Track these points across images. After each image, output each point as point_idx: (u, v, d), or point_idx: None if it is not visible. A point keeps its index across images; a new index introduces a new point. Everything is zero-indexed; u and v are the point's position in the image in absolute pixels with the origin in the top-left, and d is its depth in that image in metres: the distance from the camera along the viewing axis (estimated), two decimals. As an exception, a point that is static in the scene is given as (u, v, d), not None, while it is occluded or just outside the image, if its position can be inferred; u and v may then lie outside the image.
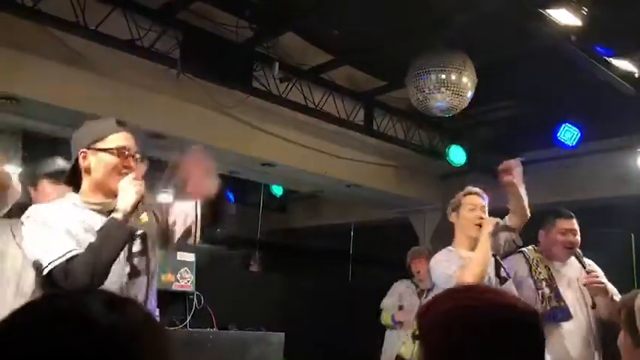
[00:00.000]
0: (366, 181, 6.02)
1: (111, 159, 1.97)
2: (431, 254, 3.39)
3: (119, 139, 1.99)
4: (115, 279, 1.89)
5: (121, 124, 2.04)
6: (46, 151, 5.81)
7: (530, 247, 3.18)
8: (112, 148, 1.97)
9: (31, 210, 1.94)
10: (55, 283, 1.81)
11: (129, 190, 1.91)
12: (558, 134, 5.29)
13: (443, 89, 4.32)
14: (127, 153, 1.98)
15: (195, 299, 4.75)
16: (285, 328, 5.11)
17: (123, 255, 1.92)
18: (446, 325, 1.07)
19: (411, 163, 6.16)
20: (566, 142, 5.31)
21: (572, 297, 2.93)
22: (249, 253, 7.35)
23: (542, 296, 2.92)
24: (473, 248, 2.92)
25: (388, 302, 4.74)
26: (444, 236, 7.29)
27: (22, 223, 1.92)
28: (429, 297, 2.99)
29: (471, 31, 4.12)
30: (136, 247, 1.99)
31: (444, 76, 4.28)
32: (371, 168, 6.01)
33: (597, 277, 2.87)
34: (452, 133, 5.86)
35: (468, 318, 1.07)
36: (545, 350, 1.11)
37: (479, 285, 2.39)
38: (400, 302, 4.68)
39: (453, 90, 4.29)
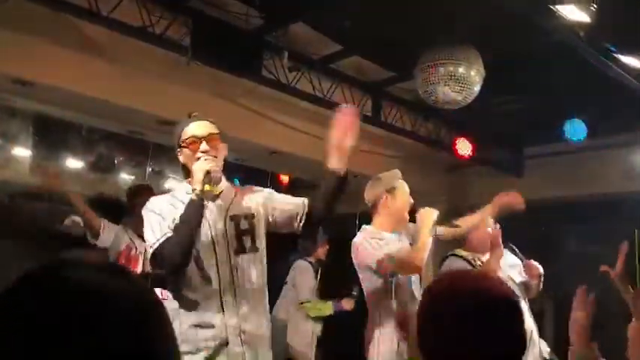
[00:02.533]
0: (373, 172, 6.01)
1: (187, 151, 2.25)
2: None
3: (190, 130, 2.27)
4: (222, 256, 2.17)
5: (191, 116, 2.34)
6: (57, 134, 5.89)
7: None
8: (185, 141, 2.25)
9: (150, 201, 2.25)
10: (156, 265, 2.15)
11: (197, 171, 2.17)
12: (566, 129, 5.31)
13: (450, 82, 4.34)
14: (196, 140, 2.23)
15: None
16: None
17: (226, 231, 2.20)
18: (438, 312, 1.16)
19: (417, 155, 6.19)
20: (573, 138, 5.32)
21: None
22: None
23: None
24: (395, 231, 3.06)
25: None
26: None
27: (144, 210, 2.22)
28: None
29: (481, 25, 4.13)
30: (243, 225, 2.24)
31: (452, 69, 4.30)
32: (378, 158, 6.03)
33: None
34: (459, 126, 5.88)
35: (455, 303, 1.14)
36: None
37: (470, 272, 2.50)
38: None
39: (461, 83, 4.30)
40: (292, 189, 8.42)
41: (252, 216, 2.29)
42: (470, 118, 5.69)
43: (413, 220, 3.17)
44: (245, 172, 7.44)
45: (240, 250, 2.21)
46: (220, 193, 2.29)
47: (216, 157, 2.25)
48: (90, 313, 0.67)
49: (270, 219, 2.34)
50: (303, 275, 4.95)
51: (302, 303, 4.87)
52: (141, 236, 4.43)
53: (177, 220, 2.12)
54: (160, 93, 4.50)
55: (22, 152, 5.90)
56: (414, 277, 3.02)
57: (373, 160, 5.98)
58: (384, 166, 6.07)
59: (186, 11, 4.08)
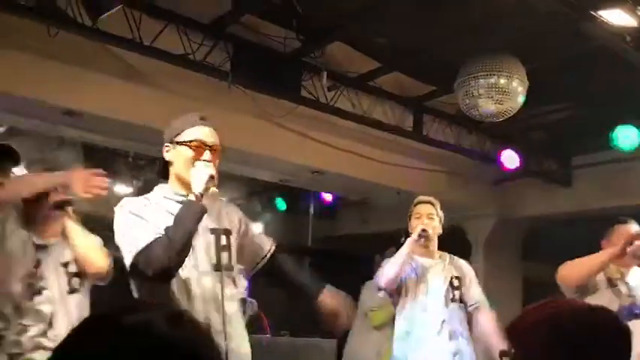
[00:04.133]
0: (417, 188, 5.96)
1: (186, 151, 2.07)
2: None
3: (196, 132, 2.09)
4: (206, 269, 2.01)
5: (202, 119, 2.15)
6: (105, 162, 6.06)
7: None
8: (187, 141, 2.07)
9: (124, 201, 2.07)
10: (138, 270, 1.90)
11: (200, 172, 2.00)
12: (614, 137, 5.13)
13: (492, 94, 4.27)
14: (202, 146, 2.06)
15: (249, 305, 4.82)
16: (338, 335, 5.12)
17: (207, 247, 2.03)
18: (537, 334, 1.10)
19: (462, 169, 6.09)
20: (623, 145, 5.14)
21: None
22: (300, 260, 7.41)
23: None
24: (420, 254, 3.27)
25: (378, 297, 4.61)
26: (499, 242, 7.17)
27: (116, 211, 2.04)
28: None
29: (521, 34, 4.06)
30: (223, 241, 2.09)
31: (493, 81, 4.23)
32: (421, 174, 5.97)
33: None
34: (503, 137, 5.77)
35: (556, 324, 1.09)
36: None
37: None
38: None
39: (503, 94, 4.23)
40: (335, 208, 8.42)
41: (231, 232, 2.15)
42: (515, 129, 5.58)
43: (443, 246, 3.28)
44: (288, 192, 7.49)
45: (219, 266, 2.06)
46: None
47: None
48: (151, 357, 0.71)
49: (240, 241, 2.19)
50: (369, 290, 4.81)
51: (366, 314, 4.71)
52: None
53: (161, 225, 1.94)
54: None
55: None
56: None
57: (416, 176, 5.92)
58: (427, 182, 6.03)
59: (225, 37, 4.16)
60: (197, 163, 2.03)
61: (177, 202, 2.05)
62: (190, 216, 1.95)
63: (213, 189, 2.03)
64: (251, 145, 4.76)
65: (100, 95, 4.14)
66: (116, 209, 2.04)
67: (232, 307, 2.09)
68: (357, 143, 5.39)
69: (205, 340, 0.78)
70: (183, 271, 1.98)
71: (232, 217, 2.21)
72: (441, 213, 3.39)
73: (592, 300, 3.00)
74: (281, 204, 7.98)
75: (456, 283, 3.29)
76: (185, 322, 0.78)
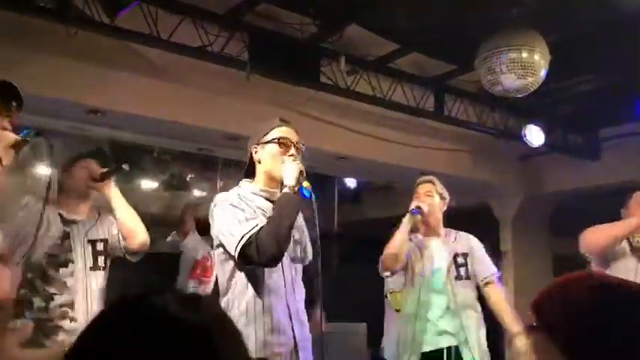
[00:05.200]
0: (441, 168, 5.94)
1: (273, 148, 2.33)
2: None
3: (280, 131, 2.37)
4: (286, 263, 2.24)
5: (283, 121, 2.44)
6: (131, 158, 6.15)
7: None
8: (274, 139, 2.34)
9: (219, 197, 2.29)
10: (248, 256, 2.12)
11: (291, 168, 2.25)
12: (642, 106, 5.03)
13: (514, 69, 4.20)
14: (287, 142, 2.33)
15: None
16: (367, 318, 5.15)
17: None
18: (560, 308, 1.08)
19: (486, 147, 6.04)
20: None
21: None
22: (328, 246, 7.44)
23: None
24: (423, 233, 3.42)
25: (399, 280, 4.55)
26: (527, 219, 7.09)
27: (212, 209, 2.27)
28: None
29: (541, 7, 3.98)
30: (296, 236, 2.33)
31: (514, 55, 4.16)
32: (445, 154, 5.94)
33: None
34: (527, 113, 5.69)
35: (601, 299, 1.07)
36: None
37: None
38: None
39: (525, 68, 4.16)
40: (360, 192, 8.42)
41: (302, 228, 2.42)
42: (539, 103, 5.49)
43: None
44: (312, 178, 7.49)
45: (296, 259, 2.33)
46: None
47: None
48: (168, 339, 0.74)
49: None
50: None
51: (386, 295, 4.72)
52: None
53: (263, 220, 2.16)
54: (224, 109, 4.61)
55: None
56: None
57: (439, 156, 5.89)
58: (451, 162, 5.99)
59: (242, 27, 4.16)
60: (285, 159, 2.28)
61: (265, 198, 2.30)
62: (292, 207, 2.20)
63: (306, 182, 2.25)
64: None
65: (123, 92, 4.20)
66: (216, 203, 2.26)
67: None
68: (379, 127, 5.37)
69: (223, 323, 0.81)
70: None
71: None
72: (442, 190, 3.44)
73: (616, 266, 2.97)
74: (305, 191, 7.99)
75: (460, 260, 3.29)
76: (199, 303, 0.81)
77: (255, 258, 2.10)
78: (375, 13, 4.33)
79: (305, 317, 2.30)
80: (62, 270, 2.59)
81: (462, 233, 3.45)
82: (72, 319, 2.54)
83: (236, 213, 2.18)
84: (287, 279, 2.24)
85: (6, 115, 1.68)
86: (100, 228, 2.77)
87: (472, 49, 4.41)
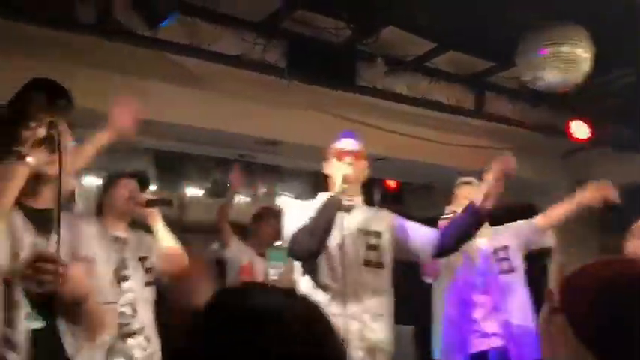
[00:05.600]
0: (481, 167, 5.86)
1: (334, 161, 2.62)
2: None
3: (340, 145, 2.66)
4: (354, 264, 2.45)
5: (345, 136, 2.72)
6: (176, 166, 6.28)
7: None
8: (334, 153, 2.65)
9: (288, 202, 2.74)
10: (289, 250, 2.41)
11: (336, 174, 2.50)
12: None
13: (557, 63, 4.12)
14: (342, 153, 2.59)
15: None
16: (414, 321, 5.10)
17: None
18: (592, 297, 1.05)
19: (528, 144, 5.91)
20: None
21: None
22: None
23: None
24: None
25: None
26: (574, 218, 6.94)
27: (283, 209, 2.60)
28: None
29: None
30: (373, 241, 2.54)
31: (556, 50, 4.08)
32: (487, 153, 5.83)
33: None
34: (571, 108, 5.56)
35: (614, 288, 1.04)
36: None
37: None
38: None
39: (568, 63, 4.07)
40: (401, 193, 8.37)
41: (380, 235, 2.58)
42: (582, 98, 5.36)
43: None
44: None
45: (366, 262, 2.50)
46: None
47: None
48: (272, 331, 0.78)
49: None
50: None
51: None
52: (261, 254, 4.68)
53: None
54: (263, 115, 4.65)
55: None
56: None
57: (480, 155, 5.79)
58: (492, 160, 5.88)
59: (279, 34, 4.21)
60: (335, 164, 2.53)
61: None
62: (329, 207, 2.39)
63: (344, 186, 2.43)
64: (312, 138, 4.80)
65: (165, 103, 4.28)
66: (284, 206, 2.60)
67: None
68: (418, 127, 5.33)
69: (318, 315, 0.84)
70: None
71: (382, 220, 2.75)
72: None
73: None
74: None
75: (501, 254, 3.24)
76: (298, 297, 0.85)
77: (292, 248, 2.36)
78: (411, 13, 4.31)
79: (374, 321, 2.44)
80: (123, 284, 2.72)
81: (498, 227, 3.40)
82: (133, 334, 2.63)
83: (293, 214, 2.52)
84: (349, 282, 2.36)
85: (54, 114, 1.66)
86: (144, 246, 2.89)
87: (511, 44, 4.34)
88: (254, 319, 0.78)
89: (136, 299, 2.73)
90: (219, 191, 6.99)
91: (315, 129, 4.84)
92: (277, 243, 4.55)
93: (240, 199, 7.02)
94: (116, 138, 2.53)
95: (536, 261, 4.04)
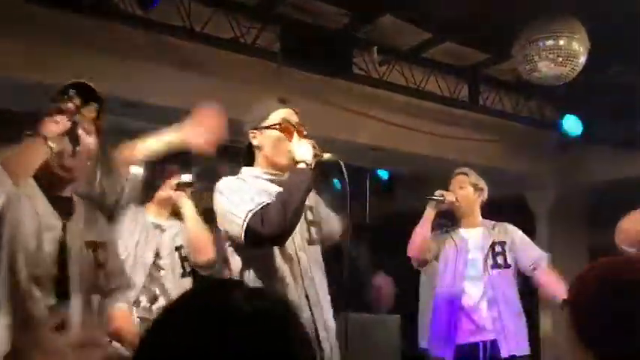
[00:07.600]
0: (475, 159, 5.86)
1: (275, 133, 2.17)
2: None
3: (281, 114, 2.20)
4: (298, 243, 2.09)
5: (282, 102, 2.27)
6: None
7: None
8: (274, 124, 2.18)
9: (220, 184, 2.13)
10: (252, 231, 1.93)
11: (302, 144, 2.09)
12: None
13: (553, 56, 4.10)
14: (289, 126, 2.17)
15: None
16: (401, 310, 5.12)
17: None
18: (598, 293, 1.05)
19: (522, 138, 5.91)
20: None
21: None
22: (360, 237, 7.41)
23: None
24: (461, 225, 3.42)
25: None
26: (563, 211, 6.94)
27: (215, 199, 2.12)
28: None
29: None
30: (310, 217, 2.19)
31: (552, 42, 4.06)
32: (479, 145, 5.84)
33: None
34: (565, 103, 5.55)
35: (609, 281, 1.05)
36: None
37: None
38: None
39: (564, 56, 4.06)
40: (392, 184, 8.36)
41: (312, 209, 2.26)
42: (576, 93, 5.35)
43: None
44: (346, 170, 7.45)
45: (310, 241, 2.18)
46: None
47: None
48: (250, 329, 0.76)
49: None
50: None
51: None
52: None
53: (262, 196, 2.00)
54: (254, 101, 4.60)
55: (136, 170, 6.24)
56: None
57: (473, 147, 5.79)
58: (486, 153, 5.89)
59: (273, 18, 4.16)
60: (295, 137, 2.12)
61: (269, 180, 2.14)
62: (304, 182, 2.01)
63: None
64: (306, 126, 4.77)
65: (157, 85, 4.23)
66: (218, 190, 2.11)
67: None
68: (412, 117, 5.30)
69: (288, 314, 0.81)
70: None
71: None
72: (476, 181, 3.41)
73: None
74: (337, 183, 7.97)
75: (498, 248, 3.25)
76: (265, 297, 0.82)
77: (259, 229, 1.90)
78: (407, 2, 4.27)
79: (327, 304, 2.14)
80: (162, 272, 2.66)
81: (500, 223, 3.42)
82: None
83: (241, 194, 2.02)
84: (303, 264, 2.09)
85: (87, 117, 1.85)
86: (182, 235, 2.79)
87: (507, 37, 4.33)
88: (221, 317, 0.76)
89: (170, 290, 2.65)
90: (207, 176, 6.95)
91: (309, 116, 4.78)
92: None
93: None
94: (190, 146, 2.32)
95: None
